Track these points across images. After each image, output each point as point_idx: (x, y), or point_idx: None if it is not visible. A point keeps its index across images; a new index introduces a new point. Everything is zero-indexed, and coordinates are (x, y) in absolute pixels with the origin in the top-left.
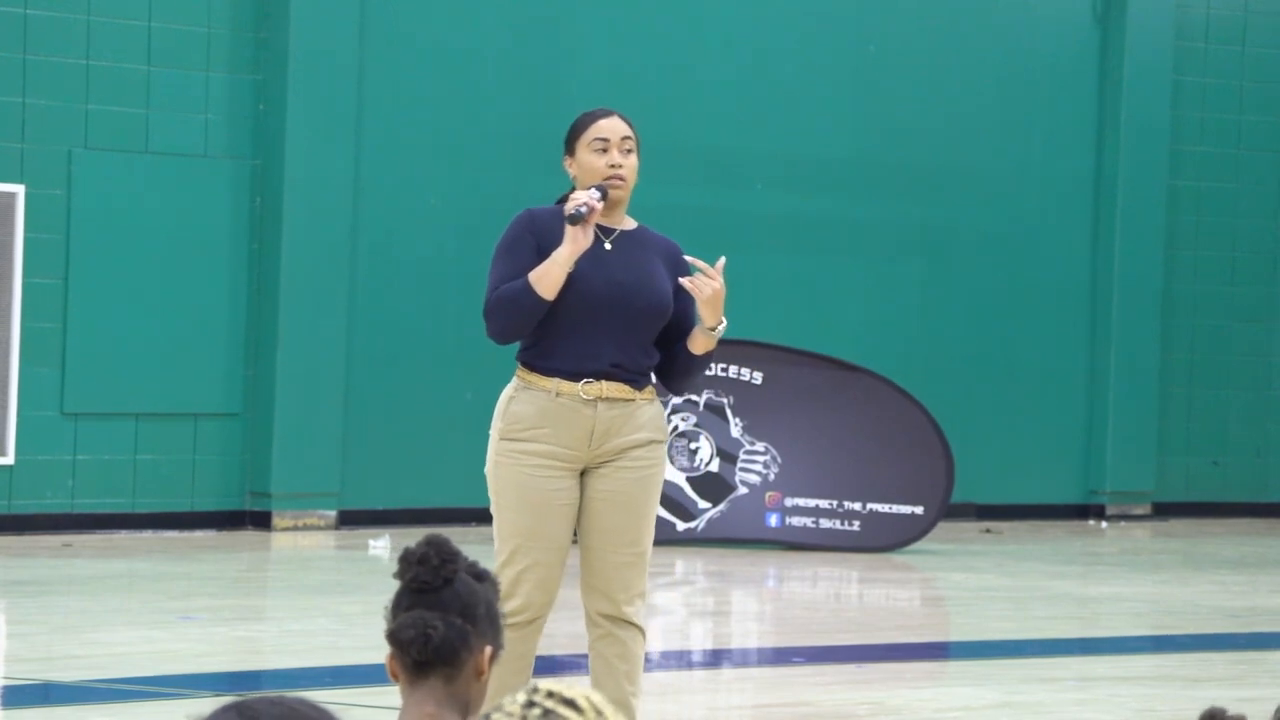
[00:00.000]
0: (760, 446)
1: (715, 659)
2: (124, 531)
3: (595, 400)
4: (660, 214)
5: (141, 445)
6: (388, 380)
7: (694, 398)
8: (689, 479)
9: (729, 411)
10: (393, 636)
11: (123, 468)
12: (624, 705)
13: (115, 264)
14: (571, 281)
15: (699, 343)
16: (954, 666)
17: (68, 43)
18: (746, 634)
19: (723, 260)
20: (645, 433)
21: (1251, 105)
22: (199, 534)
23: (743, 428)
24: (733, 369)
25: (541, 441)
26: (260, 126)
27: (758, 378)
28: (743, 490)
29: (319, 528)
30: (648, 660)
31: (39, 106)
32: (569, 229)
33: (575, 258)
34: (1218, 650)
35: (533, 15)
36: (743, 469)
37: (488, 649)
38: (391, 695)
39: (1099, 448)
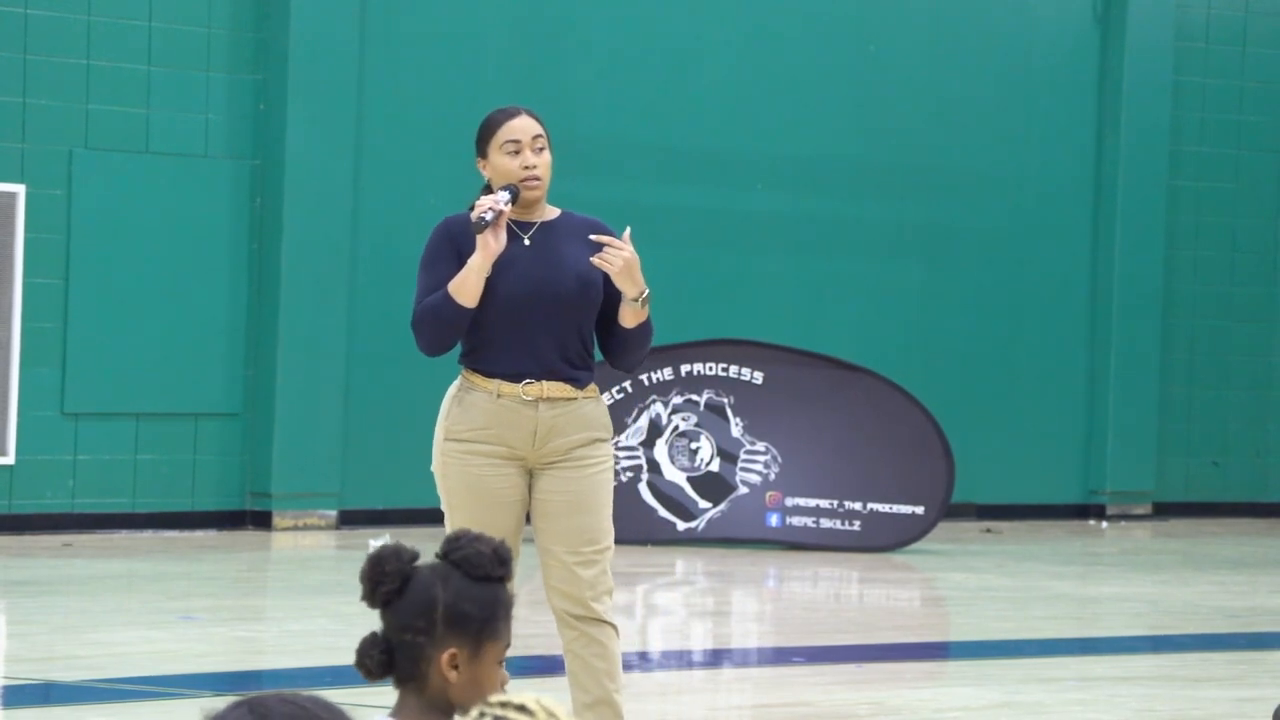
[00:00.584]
0: (761, 446)
1: (715, 659)
2: (124, 531)
3: (536, 400)
4: (660, 214)
5: (142, 445)
6: (388, 380)
7: (694, 397)
8: (689, 479)
9: (729, 411)
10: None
11: (123, 468)
12: (608, 703)
13: (116, 264)
14: (492, 285)
15: (627, 316)
16: (954, 667)
17: (68, 43)
18: (746, 634)
19: (629, 229)
20: (590, 431)
21: (1251, 106)
22: (199, 534)
23: (743, 427)
24: (733, 369)
25: (486, 441)
26: (260, 126)
27: (758, 377)
28: (743, 490)
29: (319, 528)
30: (648, 660)
31: (39, 106)
32: (478, 236)
33: (490, 262)
34: (1218, 650)
35: (533, 15)
36: (743, 469)
37: (448, 652)
38: (391, 695)
39: (1099, 448)
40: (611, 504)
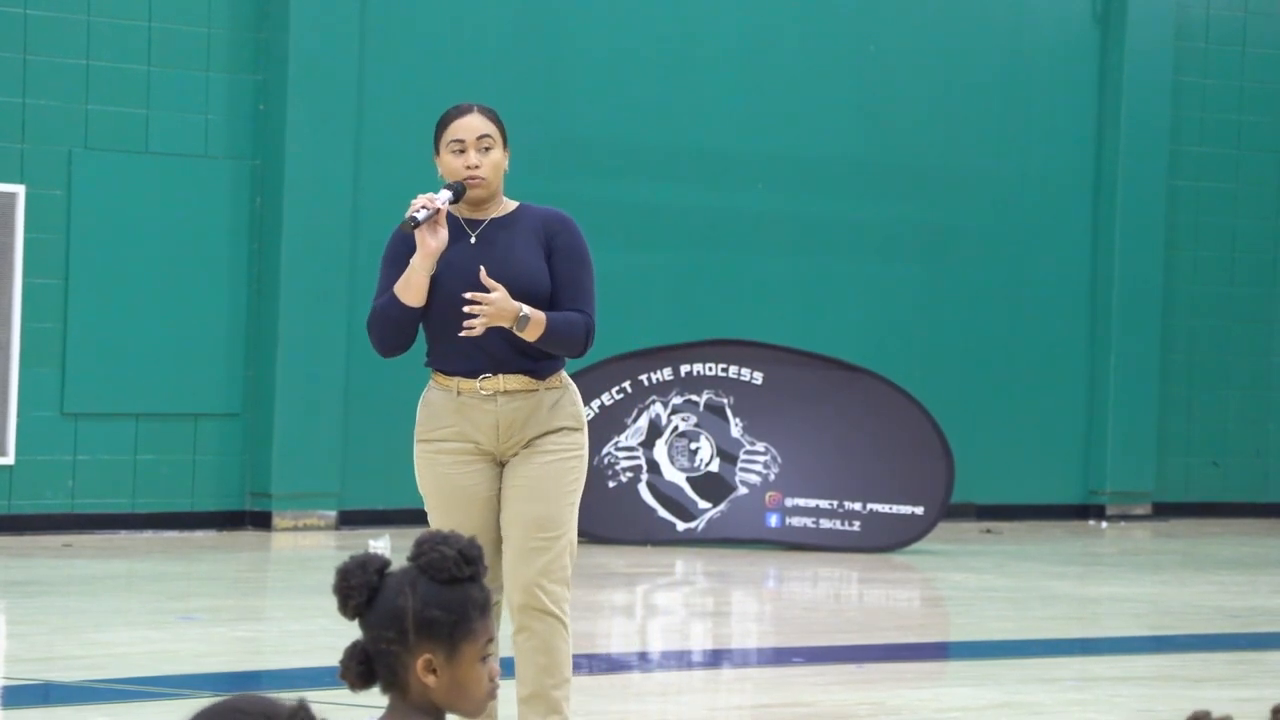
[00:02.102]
0: (760, 447)
1: (715, 659)
2: (124, 532)
3: (495, 394)
4: (660, 214)
5: (141, 445)
6: (388, 380)
7: (694, 397)
8: (689, 479)
9: (729, 412)
10: None
11: (123, 468)
12: (543, 698)
13: (115, 264)
14: (438, 282)
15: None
16: (954, 667)
17: (68, 43)
18: (746, 634)
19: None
20: (555, 421)
21: (1251, 105)
22: (199, 534)
23: (743, 428)
24: (733, 369)
25: (452, 439)
26: (260, 126)
27: (758, 378)
28: (743, 490)
29: (319, 528)
30: (648, 660)
31: (39, 107)
32: (416, 234)
33: (431, 260)
34: (1218, 651)
35: (533, 16)
36: (743, 469)
37: (423, 658)
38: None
39: (1099, 448)
40: (575, 494)
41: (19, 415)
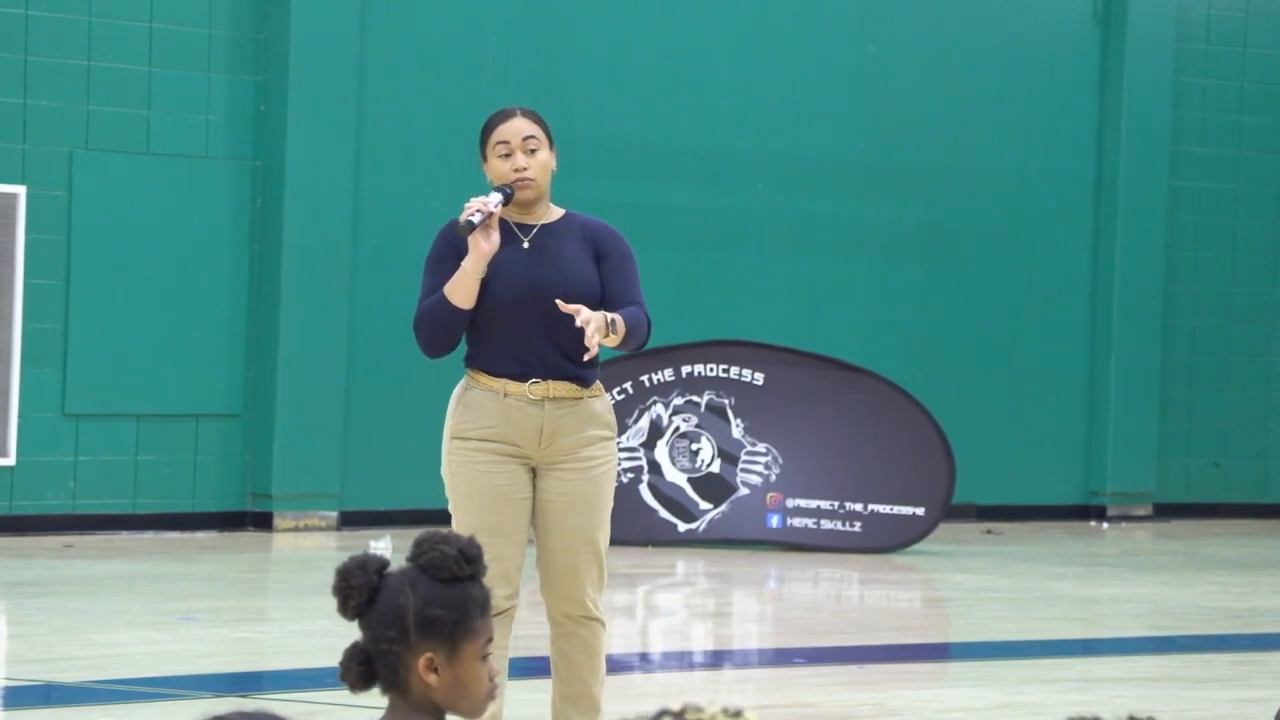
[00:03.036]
0: (761, 447)
1: (716, 660)
2: (125, 532)
3: (543, 400)
4: (660, 214)
5: (142, 446)
6: (388, 381)
7: (695, 398)
8: (690, 480)
9: (730, 412)
10: None
11: (124, 469)
12: (588, 697)
13: (116, 265)
14: (491, 285)
15: (611, 342)
16: (955, 667)
17: (69, 44)
18: (747, 635)
19: (560, 304)
20: (594, 429)
21: (1252, 106)
22: (200, 535)
23: (744, 429)
24: (734, 370)
25: (492, 439)
26: (261, 127)
27: (759, 379)
28: (744, 491)
29: (320, 529)
30: (649, 661)
31: (40, 107)
32: (469, 238)
33: (483, 263)
34: (1219, 651)
35: (534, 17)
36: (744, 470)
37: (424, 657)
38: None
39: (1099, 449)
40: (611, 502)
41: (20, 416)
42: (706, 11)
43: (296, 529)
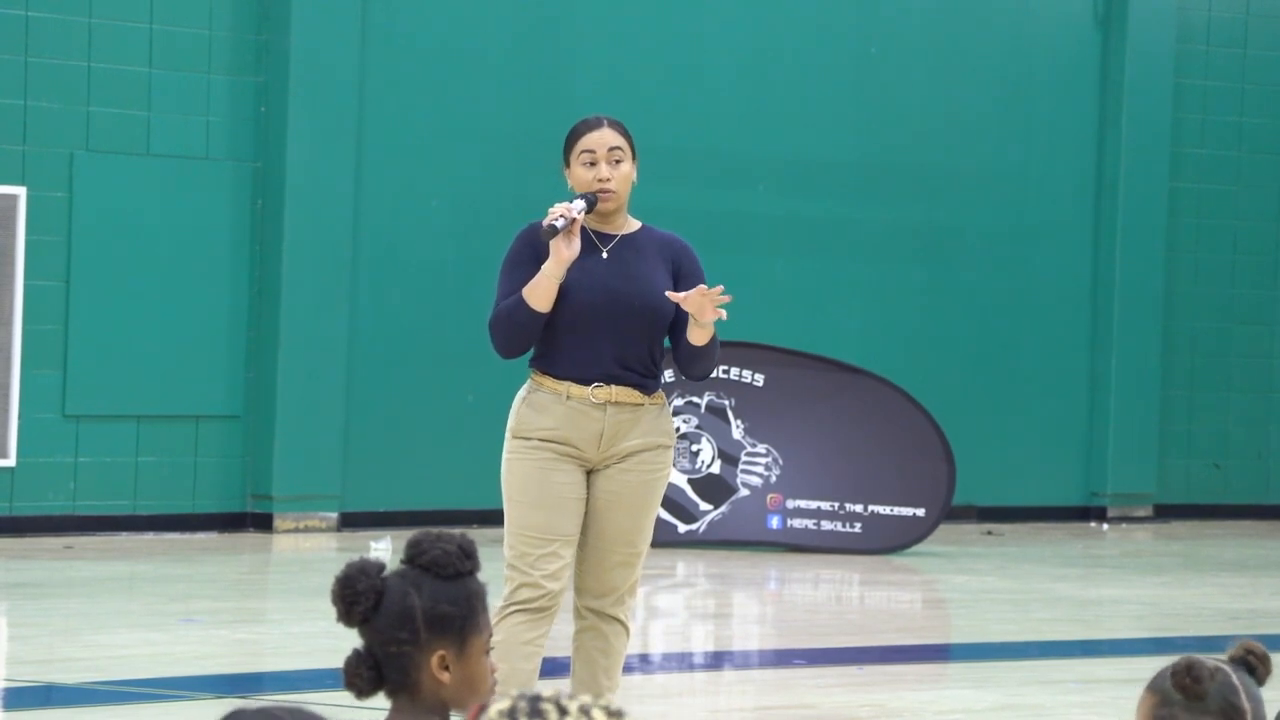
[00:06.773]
0: (762, 448)
1: (717, 661)
2: (125, 534)
3: (605, 404)
4: (662, 216)
5: (143, 447)
6: (389, 382)
7: (695, 399)
8: (690, 481)
9: (730, 413)
10: None
11: (124, 470)
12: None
13: (117, 266)
14: (568, 292)
15: (695, 334)
16: (955, 669)
17: (69, 45)
18: (748, 636)
19: (669, 294)
20: (653, 437)
21: (1252, 108)
22: (200, 536)
23: (744, 430)
24: (734, 371)
25: (553, 439)
26: (261, 129)
27: (759, 380)
28: (744, 492)
29: (320, 530)
30: (650, 662)
31: (40, 109)
32: (550, 243)
33: (563, 268)
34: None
35: (534, 18)
36: (744, 471)
37: (437, 655)
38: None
39: (1100, 450)
40: (658, 510)
41: (20, 417)
42: (707, 14)
43: (297, 530)
